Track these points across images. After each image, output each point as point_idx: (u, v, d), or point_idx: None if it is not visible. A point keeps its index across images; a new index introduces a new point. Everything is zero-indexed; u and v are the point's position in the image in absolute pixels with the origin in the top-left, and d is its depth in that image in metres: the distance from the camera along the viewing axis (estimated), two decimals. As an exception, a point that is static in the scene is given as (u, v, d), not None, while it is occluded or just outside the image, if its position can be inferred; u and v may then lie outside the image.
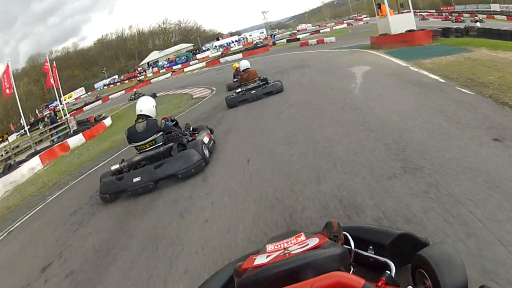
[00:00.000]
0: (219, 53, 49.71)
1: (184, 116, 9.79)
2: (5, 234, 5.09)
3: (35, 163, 9.89)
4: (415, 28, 12.45)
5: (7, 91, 13.51)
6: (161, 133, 4.79)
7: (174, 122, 5.41)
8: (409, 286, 1.35)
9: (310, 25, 71.81)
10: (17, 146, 14.28)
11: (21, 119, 25.76)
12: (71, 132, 14.14)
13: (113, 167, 4.69)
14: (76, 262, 3.19)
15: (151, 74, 53.31)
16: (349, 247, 1.66)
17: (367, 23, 44.74)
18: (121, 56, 79.15)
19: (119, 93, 36.83)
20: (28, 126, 23.08)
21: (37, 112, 50.20)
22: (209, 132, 5.61)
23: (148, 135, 4.68)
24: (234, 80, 12.33)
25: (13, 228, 5.24)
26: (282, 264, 1.27)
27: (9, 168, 9.20)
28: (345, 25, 48.28)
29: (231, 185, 3.74)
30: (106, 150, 9.10)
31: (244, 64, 9.57)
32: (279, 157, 4.08)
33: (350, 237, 1.69)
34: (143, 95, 17.11)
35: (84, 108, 33.44)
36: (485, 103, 4.08)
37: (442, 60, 7.55)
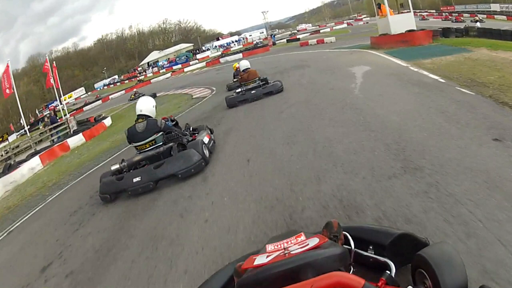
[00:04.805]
0: (219, 53, 49.69)
1: (184, 116, 9.78)
2: (5, 234, 5.09)
3: (35, 163, 9.89)
4: (415, 28, 12.44)
5: (7, 91, 13.51)
6: (161, 133, 4.79)
7: (174, 122, 5.41)
8: (409, 286, 1.35)
9: (310, 25, 71.74)
10: (17, 146, 14.27)
11: (21, 119, 25.77)
12: (71, 132, 14.15)
13: (113, 167, 4.69)
14: (76, 262, 3.19)
15: (151, 74, 53.29)
16: (349, 247, 1.65)
17: (367, 23, 44.70)
18: (121, 56, 79.15)
19: (119, 93, 36.81)
20: (28, 126, 23.07)
21: (37, 112, 50.17)
22: (209, 132, 5.60)
23: (148, 135, 4.68)
24: (234, 80, 12.34)
25: (13, 228, 5.24)
26: (282, 264, 1.27)
27: (9, 168, 9.20)
28: (345, 25, 48.25)
29: (231, 185, 3.73)
30: (106, 150, 9.10)
31: (244, 64, 9.57)
32: (279, 157, 4.08)
33: (350, 237, 1.69)
34: (143, 95, 17.11)
35: (84, 108, 33.44)
36: (485, 103, 4.08)
37: (442, 60, 7.55)
